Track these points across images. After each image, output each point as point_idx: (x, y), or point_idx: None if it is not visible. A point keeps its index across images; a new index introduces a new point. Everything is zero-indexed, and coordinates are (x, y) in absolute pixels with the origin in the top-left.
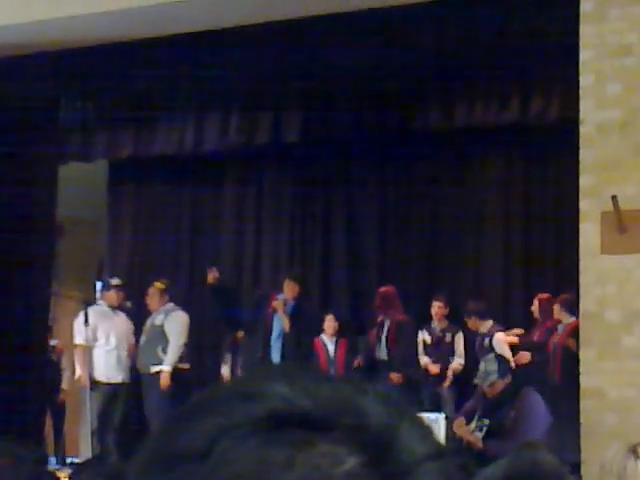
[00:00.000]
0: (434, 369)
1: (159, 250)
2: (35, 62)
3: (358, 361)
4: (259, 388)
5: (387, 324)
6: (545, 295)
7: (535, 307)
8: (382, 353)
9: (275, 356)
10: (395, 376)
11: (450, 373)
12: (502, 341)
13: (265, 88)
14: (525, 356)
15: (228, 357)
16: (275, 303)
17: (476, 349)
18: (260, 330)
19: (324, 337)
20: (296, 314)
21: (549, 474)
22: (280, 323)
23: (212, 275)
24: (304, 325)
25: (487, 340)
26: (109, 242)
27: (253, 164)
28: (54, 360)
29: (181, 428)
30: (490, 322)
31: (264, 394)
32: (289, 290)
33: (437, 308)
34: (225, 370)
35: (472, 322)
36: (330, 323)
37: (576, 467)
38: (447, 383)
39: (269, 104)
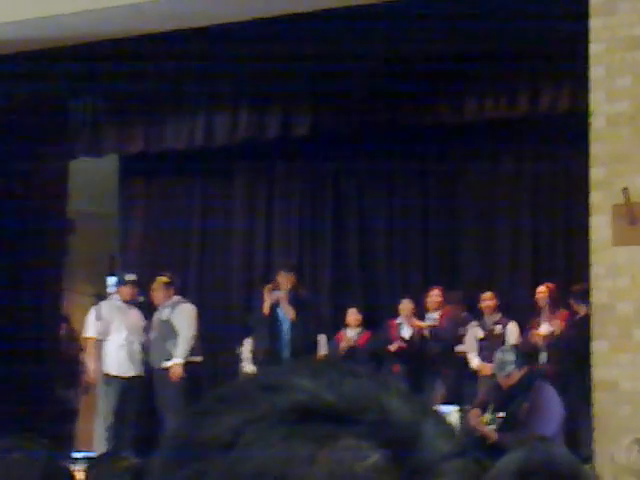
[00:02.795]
0: (483, 367)
1: (170, 244)
2: (45, 58)
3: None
4: (283, 381)
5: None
6: (553, 284)
7: (543, 296)
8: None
9: (285, 349)
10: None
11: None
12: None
13: (275, 83)
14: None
15: (241, 351)
16: (278, 295)
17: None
18: (265, 324)
19: (348, 329)
20: (296, 305)
21: (564, 468)
22: (285, 315)
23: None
24: (309, 316)
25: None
26: (120, 237)
27: (263, 159)
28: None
29: (206, 419)
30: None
31: (289, 387)
32: (284, 282)
33: (488, 301)
34: (244, 363)
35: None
36: (352, 316)
37: (589, 460)
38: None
39: (279, 99)
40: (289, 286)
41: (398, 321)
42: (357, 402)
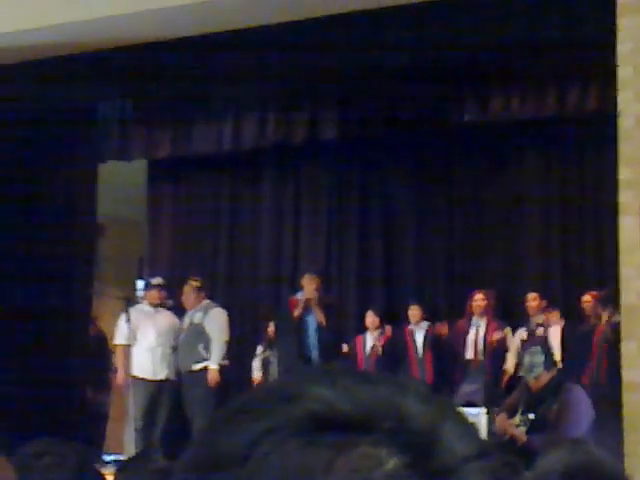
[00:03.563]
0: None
1: (198, 248)
2: (74, 62)
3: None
4: (298, 390)
5: (476, 329)
6: (598, 293)
7: (589, 305)
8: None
9: (313, 352)
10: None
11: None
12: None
13: (302, 85)
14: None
15: (261, 355)
16: (309, 297)
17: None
18: (292, 327)
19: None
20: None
21: (608, 471)
22: (313, 318)
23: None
24: (335, 319)
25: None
26: (149, 240)
27: (291, 162)
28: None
29: (223, 431)
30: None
31: (304, 396)
32: (312, 284)
33: (532, 301)
34: (257, 370)
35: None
36: (370, 318)
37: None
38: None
39: (306, 101)
40: (315, 289)
41: (410, 327)
42: (373, 409)
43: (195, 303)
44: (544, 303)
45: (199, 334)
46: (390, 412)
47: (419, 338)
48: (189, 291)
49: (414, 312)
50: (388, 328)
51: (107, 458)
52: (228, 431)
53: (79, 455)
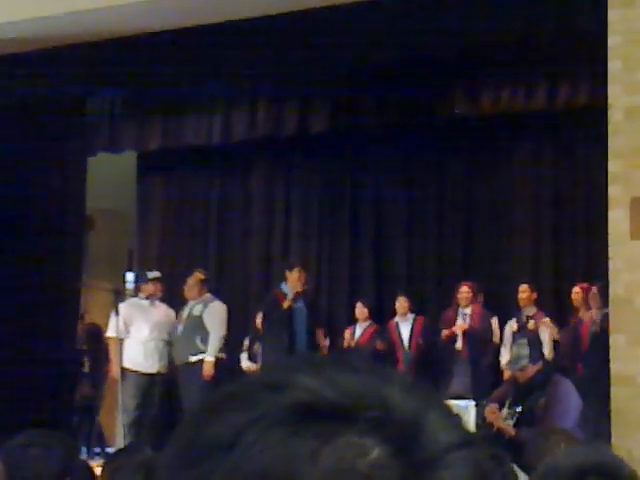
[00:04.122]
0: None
1: (188, 241)
2: (64, 54)
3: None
4: (284, 379)
5: (462, 319)
6: (588, 285)
7: (578, 297)
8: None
9: (301, 345)
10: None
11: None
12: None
13: (292, 78)
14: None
15: (251, 347)
16: (298, 290)
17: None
18: (282, 319)
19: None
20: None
21: (621, 473)
22: (303, 311)
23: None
24: (326, 312)
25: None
26: (138, 233)
27: (281, 155)
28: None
29: (208, 420)
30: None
31: (289, 385)
32: (297, 277)
33: (522, 293)
34: (245, 361)
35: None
36: (359, 310)
37: None
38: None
39: (296, 94)
40: (300, 283)
41: (396, 320)
42: (358, 398)
43: (198, 295)
44: (535, 295)
45: (197, 326)
46: (375, 402)
47: (405, 331)
48: (193, 283)
49: (402, 303)
50: (372, 327)
51: (97, 450)
52: (213, 420)
53: (66, 446)
